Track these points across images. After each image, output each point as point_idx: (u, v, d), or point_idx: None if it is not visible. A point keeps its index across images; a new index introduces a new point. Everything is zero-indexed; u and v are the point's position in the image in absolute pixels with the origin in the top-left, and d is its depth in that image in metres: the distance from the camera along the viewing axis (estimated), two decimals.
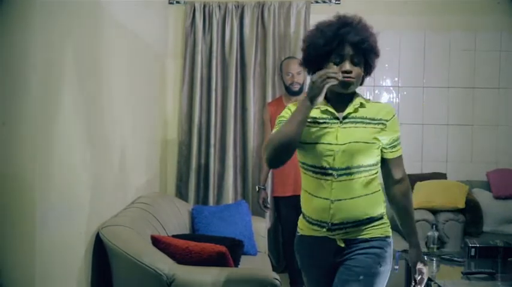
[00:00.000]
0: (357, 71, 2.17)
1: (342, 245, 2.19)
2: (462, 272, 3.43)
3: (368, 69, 2.27)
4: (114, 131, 3.28)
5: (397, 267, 4.08)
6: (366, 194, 2.17)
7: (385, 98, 5.45)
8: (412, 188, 4.95)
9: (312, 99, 2.09)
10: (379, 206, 2.23)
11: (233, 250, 3.25)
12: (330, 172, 2.14)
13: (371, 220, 2.19)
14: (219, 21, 5.07)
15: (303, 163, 2.24)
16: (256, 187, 4.48)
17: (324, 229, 2.19)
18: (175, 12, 5.18)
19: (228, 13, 5.06)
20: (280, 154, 2.13)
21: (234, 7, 5.07)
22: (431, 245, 4.00)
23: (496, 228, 4.81)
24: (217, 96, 5.07)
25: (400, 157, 2.28)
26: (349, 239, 2.19)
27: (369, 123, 2.18)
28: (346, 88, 2.15)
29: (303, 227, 2.31)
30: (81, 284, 2.77)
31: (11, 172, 2.17)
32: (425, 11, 5.34)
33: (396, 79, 5.45)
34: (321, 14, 5.23)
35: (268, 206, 4.51)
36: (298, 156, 2.25)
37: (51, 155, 2.36)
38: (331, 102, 2.22)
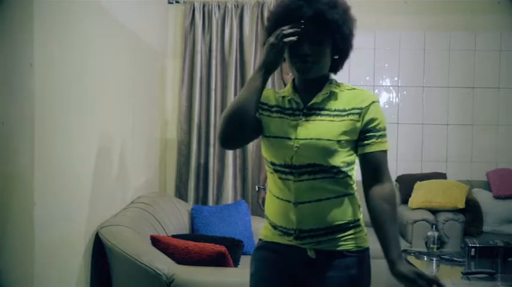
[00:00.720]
0: (319, 52, 1.81)
1: (313, 256, 1.88)
2: (462, 272, 3.42)
3: (339, 51, 1.88)
4: (114, 130, 3.28)
5: None
6: (336, 196, 1.85)
7: (385, 97, 5.45)
8: (412, 188, 4.95)
9: (267, 65, 1.80)
10: (354, 211, 1.90)
11: (233, 250, 3.24)
12: (289, 170, 1.85)
13: (345, 227, 1.89)
14: (218, 20, 5.06)
15: (266, 159, 1.95)
16: (256, 187, 4.47)
17: (292, 237, 1.88)
18: (174, 11, 5.17)
19: (227, 13, 5.06)
20: (230, 128, 1.81)
21: (233, 6, 5.06)
22: (431, 245, 4.00)
23: (496, 228, 4.80)
24: (217, 96, 5.07)
25: (383, 153, 1.86)
26: (322, 251, 1.88)
27: (337, 115, 1.84)
28: (305, 73, 1.84)
29: (267, 234, 1.98)
30: (81, 284, 2.76)
31: (10, 171, 2.17)
32: (425, 11, 5.33)
33: (396, 79, 5.44)
34: None
35: None
36: (262, 150, 1.97)
37: (51, 154, 2.35)
38: (299, 90, 1.92)
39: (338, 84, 1.93)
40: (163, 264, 2.69)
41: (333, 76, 1.96)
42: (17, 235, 2.20)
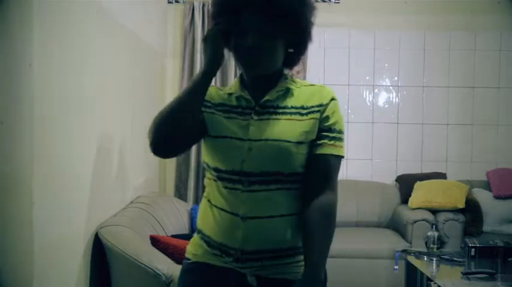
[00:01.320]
0: (268, 45, 1.53)
1: (254, 283, 1.58)
2: (462, 272, 3.42)
3: (293, 44, 1.60)
4: (113, 130, 3.27)
5: (396, 267, 4.09)
6: (291, 214, 1.56)
7: (384, 97, 5.44)
8: (412, 188, 4.95)
9: (207, 63, 1.56)
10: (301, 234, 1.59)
11: None
12: (238, 178, 1.54)
13: (296, 251, 1.59)
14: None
15: (207, 164, 1.64)
16: None
17: (231, 259, 1.56)
18: (174, 11, 5.17)
19: None
20: (165, 132, 1.52)
21: None
22: (431, 245, 4.00)
23: (496, 228, 4.80)
24: None
25: (334, 158, 1.58)
26: (266, 278, 1.57)
27: (296, 113, 1.58)
28: (251, 69, 1.58)
29: (197, 252, 1.65)
30: (80, 284, 2.76)
31: (9, 171, 2.16)
32: (425, 11, 5.33)
33: (396, 79, 5.44)
34: (320, 13, 5.25)
35: None
36: (203, 154, 1.68)
37: (50, 154, 2.35)
38: (249, 87, 1.65)
39: (294, 81, 1.66)
40: (162, 264, 2.68)
41: (288, 72, 1.71)
42: (16, 235, 2.20)
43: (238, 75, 1.71)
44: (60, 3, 2.44)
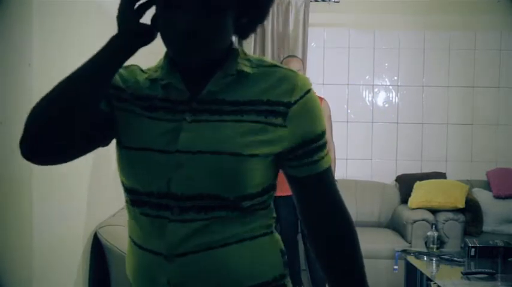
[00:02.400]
0: (211, 26, 1.04)
1: None
2: (462, 272, 3.42)
3: (248, 11, 1.11)
4: None
5: (396, 267, 4.09)
6: (241, 240, 1.10)
7: (384, 97, 5.44)
8: (412, 188, 4.95)
9: (120, 25, 1.15)
10: (275, 262, 1.16)
11: None
12: (165, 202, 1.08)
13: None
14: None
15: (123, 185, 1.18)
16: None
17: None
18: None
19: None
20: (41, 119, 1.04)
21: None
22: (431, 245, 3.99)
23: (496, 228, 4.80)
24: None
25: (326, 172, 1.16)
26: None
27: (249, 112, 1.08)
28: (186, 58, 1.08)
29: None
30: (79, 284, 2.75)
31: (8, 172, 2.16)
32: (424, 10, 5.33)
33: (396, 78, 5.43)
34: (320, 13, 5.27)
35: None
36: (118, 171, 1.20)
37: None
38: (184, 71, 1.13)
39: (248, 59, 1.15)
40: None
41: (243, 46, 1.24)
42: (15, 236, 2.19)
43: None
44: (60, 3, 2.43)
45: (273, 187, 1.18)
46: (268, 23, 5.04)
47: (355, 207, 5.08)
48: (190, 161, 1.07)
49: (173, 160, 1.07)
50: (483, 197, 4.90)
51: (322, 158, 1.15)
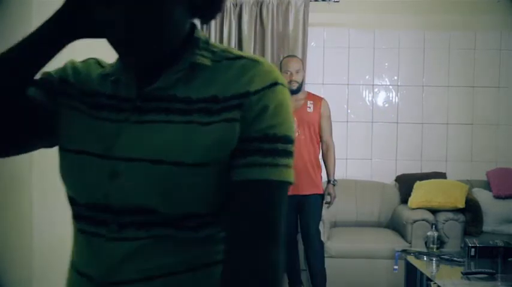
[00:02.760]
0: (145, 13, 0.88)
1: None
2: (462, 272, 3.42)
3: None
4: None
5: (396, 267, 4.09)
6: (193, 268, 0.92)
7: (384, 97, 5.43)
8: (412, 188, 4.94)
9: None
10: None
11: None
12: (103, 217, 0.92)
13: None
14: (217, 19, 5.04)
15: (67, 193, 1.05)
16: None
17: None
18: None
19: (226, 11, 5.04)
20: None
21: (232, 5, 5.05)
22: (431, 245, 3.99)
23: (496, 228, 4.80)
24: None
25: (276, 187, 0.89)
26: None
27: (203, 111, 0.90)
28: (124, 57, 0.94)
29: None
30: None
31: (8, 171, 2.15)
32: (424, 10, 5.32)
33: (395, 78, 5.43)
34: (319, 13, 5.27)
35: None
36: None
37: (49, 154, 2.34)
38: (138, 64, 0.95)
39: (209, 49, 0.96)
40: None
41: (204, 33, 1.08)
42: (15, 236, 2.19)
43: None
44: (59, 2, 2.43)
45: (222, 205, 0.92)
46: (267, 23, 5.04)
47: (355, 207, 5.08)
48: (127, 169, 0.89)
49: (110, 167, 0.91)
50: (483, 197, 4.90)
51: (276, 166, 0.88)
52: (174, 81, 0.93)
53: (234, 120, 0.88)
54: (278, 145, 0.89)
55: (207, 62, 0.94)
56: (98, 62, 1.08)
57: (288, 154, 0.90)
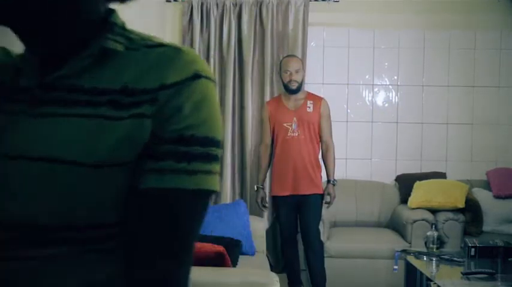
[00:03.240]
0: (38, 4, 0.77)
1: None
2: (462, 272, 3.41)
3: None
4: None
5: (396, 267, 4.08)
6: None
7: (384, 97, 5.42)
8: (412, 188, 4.93)
9: None
10: None
11: (231, 250, 3.22)
12: None
13: None
14: (216, 19, 5.04)
15: None
16: (255, 187, 4.45)
17: None
18: (172, 10, 5.15)
19: (225, 11, 5.03)
20: None
21: (231, 5, 5.04)
22: (431, 245, 3.98)
23: (496, 228, 4.79)
24: None
25: (190, 197, 0.76)
26: None
27: (107, 104, 0.77)
28: (32, 52, 0.85)
29: None
30: None
31: None
32: (424, 10, 5.31)
33: (395, 78, 5.42)
34: (319, 12, 5.26)
35: (267, 205, 4.49)
36: None
37: None
38: (43, 51, 0.83)
39: (126, 35, 0.83)
40: None
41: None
42: None
43: None
44: None
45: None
46: (267, 23, 5.03)
47: (355, 207, 5.07)
48: (15, 170, 0.74)
49: (9, 168, 0.75)
50: (483, 197, 4.89)
51: (193, 172, 0.76)
52: (80, 70, 0.79)
53: (144, 117, 0.75)
54: (196, 148, 0.76)
55: (119, 47, 0.80)
56: (7, 51, 0.92)
57: (211, 158, 0.77)
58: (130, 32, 0.84)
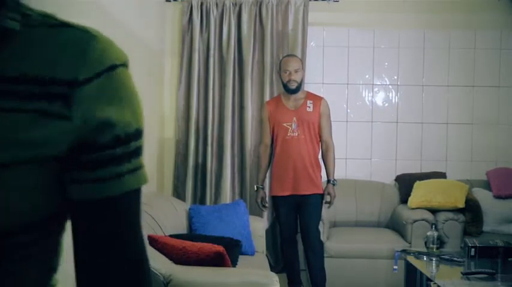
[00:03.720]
0: None
1: None
2: (462, 272, 3.41)
3: None
4: None
5: (396, 267, 4.07)
6: None
7: (384, 96, 5.42)
8: (412, 188, 4.93)
9: None
10: None
11: (231, 249, 3.22)
12: None
13: None
14: (216, 19, 5.04)
15: None
16: (255, 186, 4.45)
17: None
18: (172, 9, 5.15)
19: (225, 11, 5.03)
20: None
21: (231, 5, 5.04)
22: (431, 245, 3.98)
23: (496, 228, 4.78)
24: (215, 95, 5.04)
25: (135, 195, 0.72)
26: None
27: (8, 96, 0.65)
28: None
29: None
30: None
31: None
32: (424, 9, 5.31)
33: (395, 77, 5.42)
34: (319, 12, 5.26)
35: (267, 205, 4.49)
36: None
37: None
38: None
39: (21, 10, 0.71)
40: (160, 264, 2.66)
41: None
42: None
43: None
44: (59, 3, 2.41)
45: (61, 217, 0.72)
46: (267, 22, 5.03)
47: (355, 207, 5.07)
48: None
49: None
50: (483, 197, 4.88)
51: (134, 171, 0.71)
52: None
53: (57, 116, 0.66)
54: (131, 145, 0.70)
55: (15, 25, 0.67)
56: None
57: (140, 149, 0.72)
58: (26, 7, 0.72)
